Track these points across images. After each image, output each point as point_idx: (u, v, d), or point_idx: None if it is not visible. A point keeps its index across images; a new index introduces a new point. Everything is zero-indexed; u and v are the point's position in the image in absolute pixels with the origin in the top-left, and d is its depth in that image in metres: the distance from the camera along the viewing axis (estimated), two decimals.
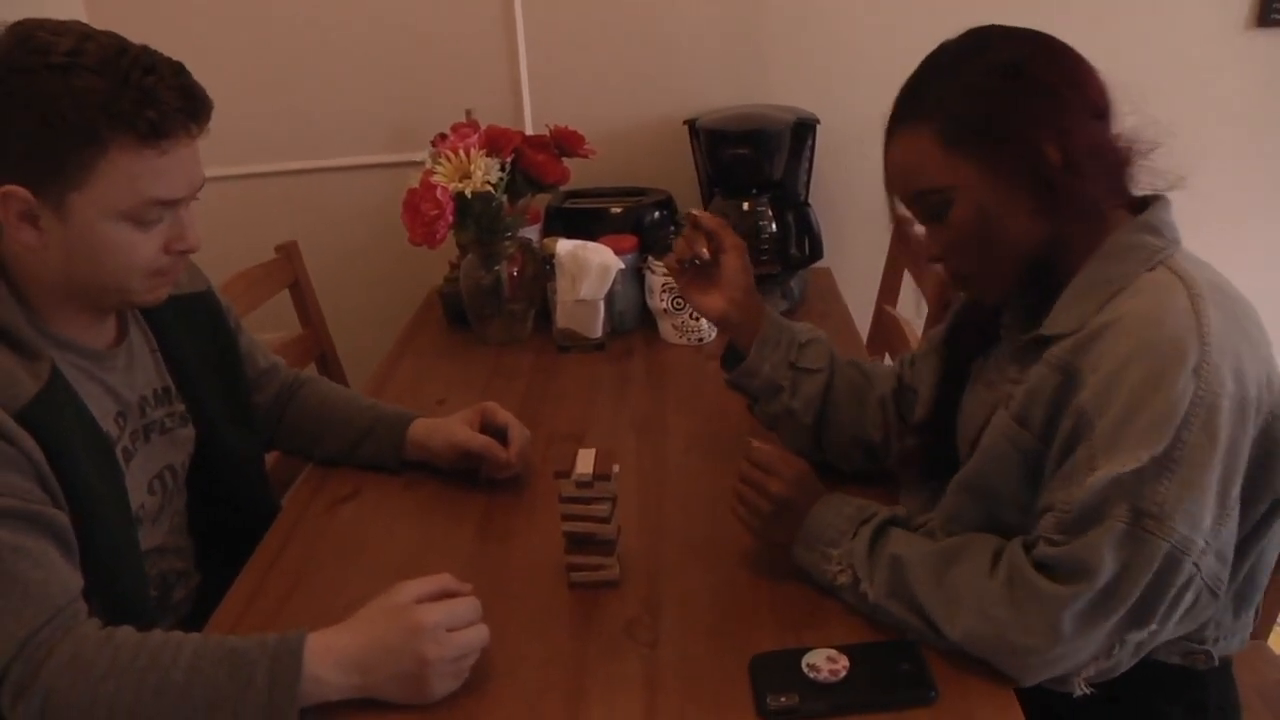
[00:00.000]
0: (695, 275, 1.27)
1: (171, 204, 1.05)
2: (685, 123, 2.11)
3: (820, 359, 1.28)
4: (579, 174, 1.95)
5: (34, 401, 0.99)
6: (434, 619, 0.94)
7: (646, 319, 1.90)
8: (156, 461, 1.21)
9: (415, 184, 1.73)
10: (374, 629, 0.95)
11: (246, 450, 1.36)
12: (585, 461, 1.08)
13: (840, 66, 2.22)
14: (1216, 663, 1.04)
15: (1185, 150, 0.99)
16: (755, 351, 1.26)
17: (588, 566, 1.12)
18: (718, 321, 1.28)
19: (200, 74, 1.05)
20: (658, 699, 0.95)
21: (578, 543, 1.11)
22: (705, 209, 2.08)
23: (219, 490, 1.31)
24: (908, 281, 1.97)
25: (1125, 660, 0.95)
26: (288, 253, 1.95)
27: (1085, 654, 0.92)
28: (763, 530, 1.11)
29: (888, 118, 1.05)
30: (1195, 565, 0.89)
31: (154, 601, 1.18)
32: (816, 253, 2.04)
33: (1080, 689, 0.95)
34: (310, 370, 1.73)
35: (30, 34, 0.97)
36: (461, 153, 1.71)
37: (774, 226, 1.96)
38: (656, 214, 2.01)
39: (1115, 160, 0.98)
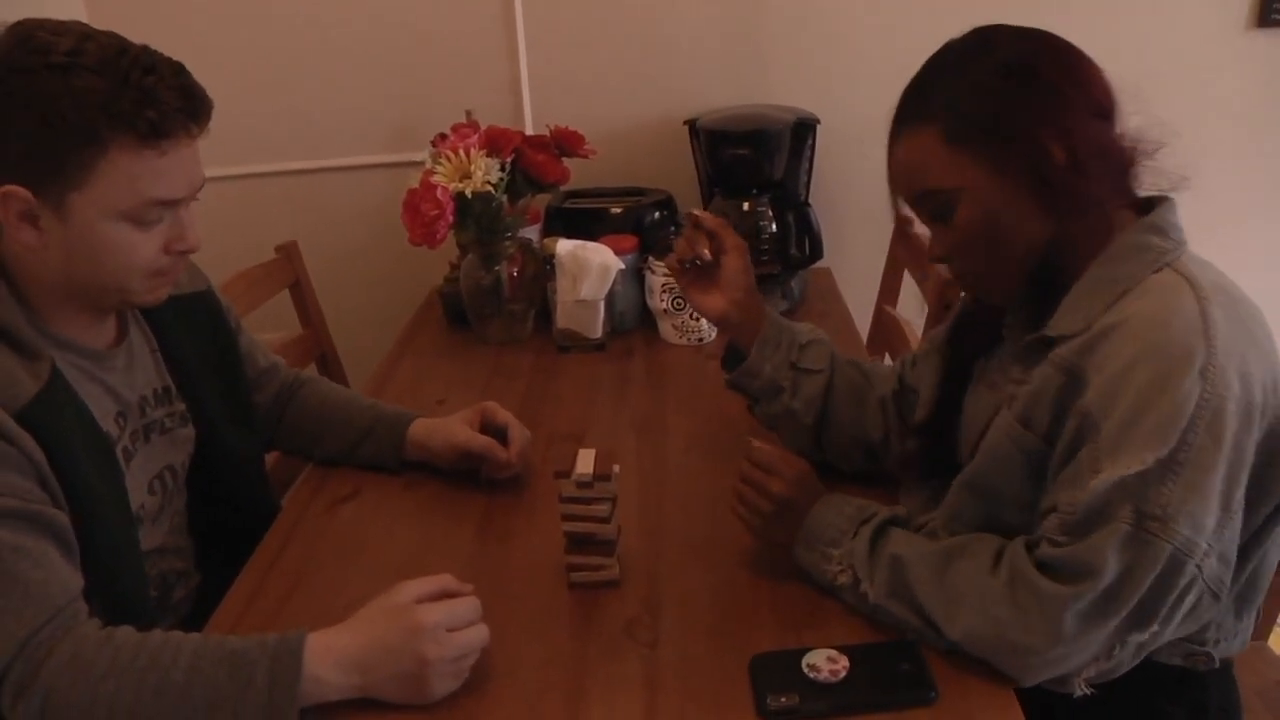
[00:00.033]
0: (696, 275, 1.27)
1: (171, 204, 1.05)
2: (685, 123, 2.11)
3: (821, 360, 1.28)
4: (579, 174, 1.95)
5: (34, 401, 0.99)
6: (434, 619, 0.94)
7: (647, 319, 1.90)
8: (156, 461, 1.21)
9: (415, 184, 1.73)
10: (374, 629, 0.95)
11: (246, 450, 1.36)
12: (585, 462, 1.08)
13: (840, 66, 2.22)
14: (1217, 664, 1.04)
15: (1185, 150, 0.99)
16: (756, 352, 1.26)
17: (588, 566, 1.12)
18: (718, 322, 1.28)
19: (200, 74, 1.05)
20: (658, 699, 0.95)
21: (578, 543, 1.11)
22: (706, 209, 2.08)
23: (219, 490, 1.31)
24: (908, 282, 1.97)
25: (1126, 661, 0.95)
26: (288, 253, 1.95)
27: (1086, 654, 0.92)
28: (763, 530, 1.11)
29: (892, 117, 1.04)
30: (1198, 567, 0.89)
31: (154, 601, 1.18)
32: (816, 253, 2.04)
33: (1080, 689, 0.95)
34: (310, 370, 1.73)
35: (30, 34, 0.97)
36: (462, 153, 1.71)
37: (774, 227, 1.96)
38: (657, 214, 2.01)
39: (1120, 160, 0.98)
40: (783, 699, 0.92)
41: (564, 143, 1.88)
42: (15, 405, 0.97)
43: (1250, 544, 0.97)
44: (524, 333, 1.88)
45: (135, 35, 1.02)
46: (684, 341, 1.83)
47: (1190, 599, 0.91)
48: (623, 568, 1.13)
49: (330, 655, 0.93)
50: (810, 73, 2.23)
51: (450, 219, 1.70)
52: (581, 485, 1.08)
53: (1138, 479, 0.87)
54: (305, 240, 2.01)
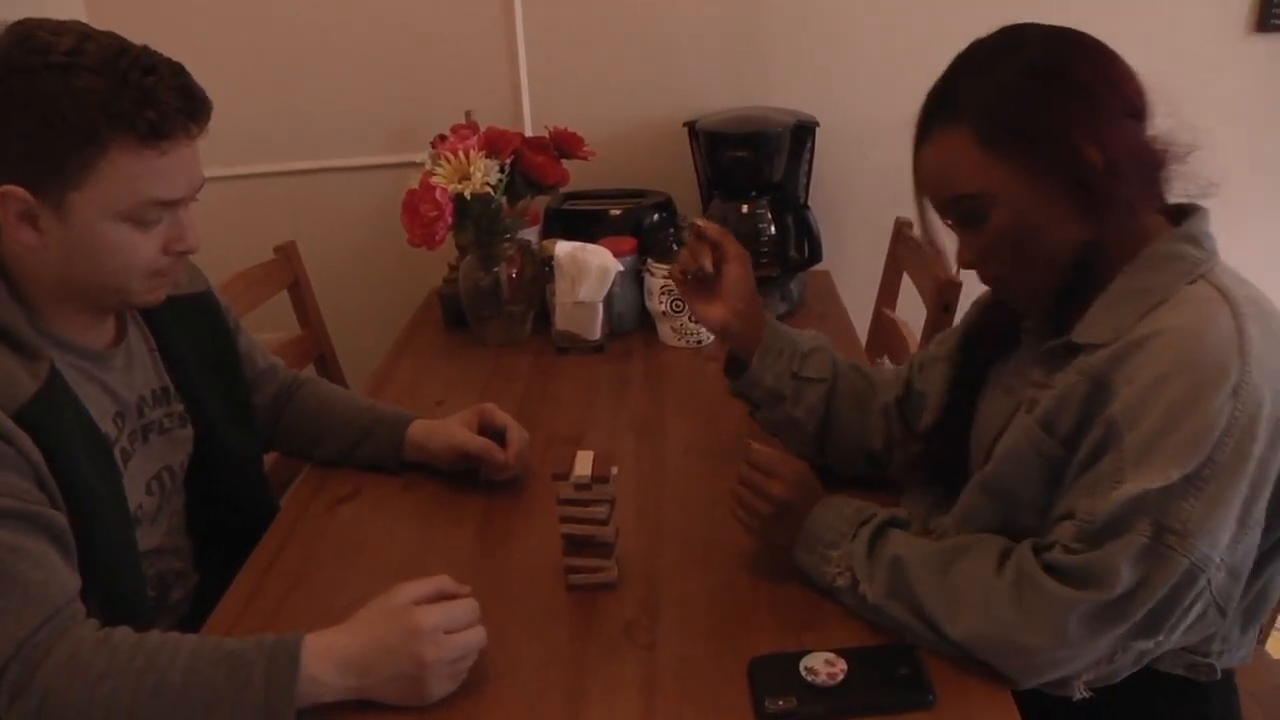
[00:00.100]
0: (698, 285, 1.25)
1: (171, 204, 1.05)
2: (685, 125, 2.11)
3: (823, 368, 1.27)
4: (578, 176, 1.95)
5: (32, 401, 0.99)
6: (432, 621, 0.94)
7: (645, 321, 1.90)
8: (155, 462, 1.21)
9: (414, 185, 1.73)
10: (372, 630, 0.95)
11: (245, 450, 1.36)
12: (584, 463, 1.08)
13: (840, 67, 2.23)
14: (1219, 675, 1.03)
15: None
16: (758, 361, 1.25)
17: (586, 568, 1.12)
18: (719, 332, 1.26)
19: (200, 74, 1.05)
20: (656, 701, 0.95)
21: (576, 545, 1.11)
22: (705, 211, 2.08)
23: (218, 490, 1.31)
24: (907, 284, 1.97)
25: (1126, 667, 0.95)
26: (287, 253, 1.95)
27: (1088, 659, 0.92)
28: (762, 532, 1.11)
29: (918, 118, 1.01)
30: (1208, 581, 0.89)
31: (152, 602, 1.18)
32: (816, 255, 2.04)
33: (1080, 693, 0.94)
34: (309, 371, 1.74)
35: (30, 34, 0.97)
36: (461, 154, 1.71)
37: (773, 229, 1.96)
38: (656, 216, 2.01)
39: (1153, 163, 0.96)
40: (781, 702, 0.92)
41: (563, 144, 1.88)
42: (14, 405, 0.97)
43: (1263, 559, 0.97)
44: (523, 334, 1.88)
45: (135, 35, 1.02)
46: (682, 343, 1.83)
47: (1196, 611, 0.91)
48: (621, 569, 1.13)
49: (328, 656, 0.93)
50: (810, 74, 2.23)
51: (449, 220, 1.70)
52: (580, 487, 1.07)
53: (1160, 493, 0.86)
54: (304, 241, 2.01)
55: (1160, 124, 0.97)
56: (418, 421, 1.40)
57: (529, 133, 2.18)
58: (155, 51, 1.02)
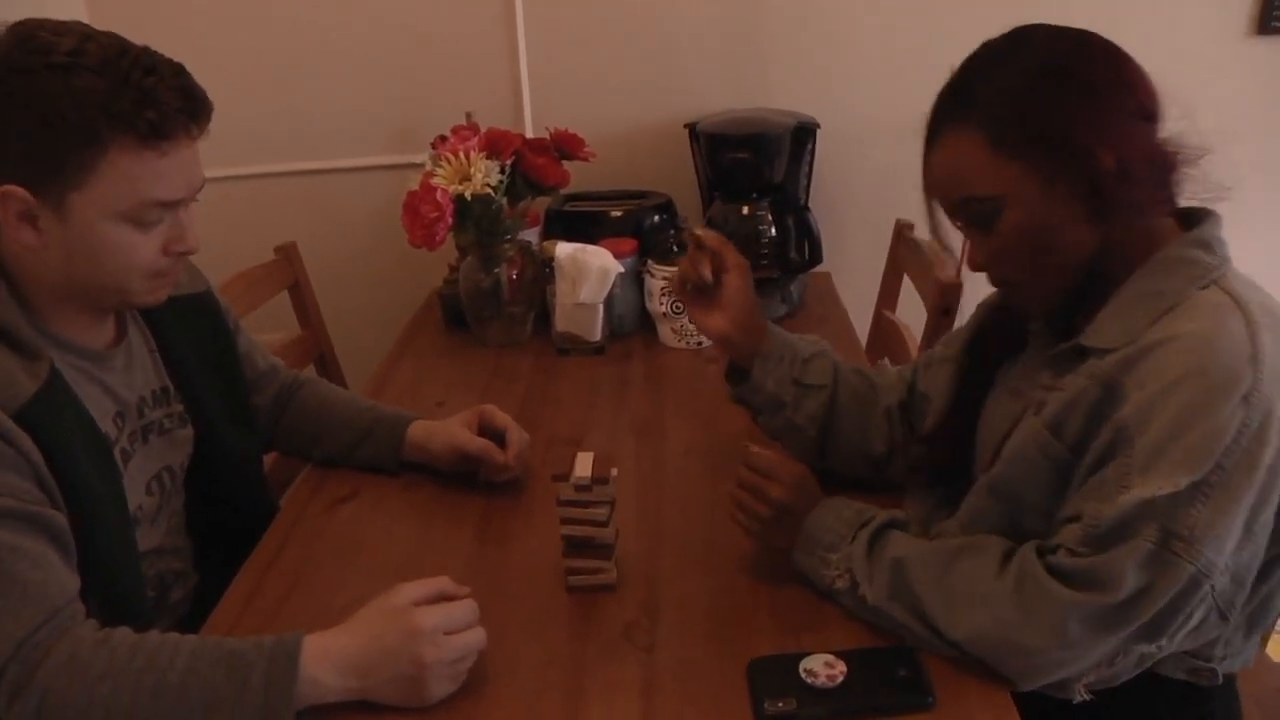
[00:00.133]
0: (698, 295, 1.25)
1: (171, 205, 1.05)
2: (686, 126, 2.11)
3: (823, 374, 1.27)
4: (579, 177, 1.95)
5: (32, 401, 0.99)
6: (432, 622, 0.94)
7: (646, 322, 1.90)
8: (155, 462, 1.21)
9: (415, 186, 1.73)
10: (372, 631, 0.95)
11: (245, 451, 1.36)
12: (584, 465, 1.08)
13: (840, 68, 2.23)
14: (1221, 680, 1.03)
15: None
16: (758, 368, 1.25)
17: (586, 570, 1.11)
18: (720, 341, 1.26)
19: (201, 75, 1.05)
20: (655, 702, 0.95)
21: (576, 546, 1.11)
22: (705, 213, 2.08)
23: (217, 491, 1.31)
24: (907, 286, 1.97)
25: (1127, 670, 0.95)
26: (287, 254, 1.95)
27: (1089, 661, 0.92)
28: (762, 535, 1.11)
29: (928, 119, 1.00)
30: (1211, 585, 0.89)
31: (151, 602, 1.18)
32: (816, 257, 2.04)
33: (1080, 695, 0.94)
34: (309, 371, 1.73)
35: (31, 34, 0.97)
36: (461, 155, 1.71)
37: (774, 230, 1.95)
38: (656, 217, 2.01)
39: (1164, 166, 0.95)
40: (780, 703, 0.92)
41: (564, 145, 1.88)
42: (14, 405, 0.97)
43: (1269, 566, 0.97)
44: (523, 335, 1.88)
45: (136, 36, 1.02)
46: (683, 345, 1.83)
47: (1198, 615, 0.91)
48: (621, 571, 1.13)
49: (327, 657, 0.93)
50: (810, 75, 2.23)
51: (450, 221, 1.70)
52: (580, 488, 1.07)
53: (1168, 500, 0.86)
54: (305, 241, 2.01)
55: (1171, 126, 0.96)
56: (418, 422, 1.40)
57: (530, 134, 2.18)
58: (156, 52, 1.02)
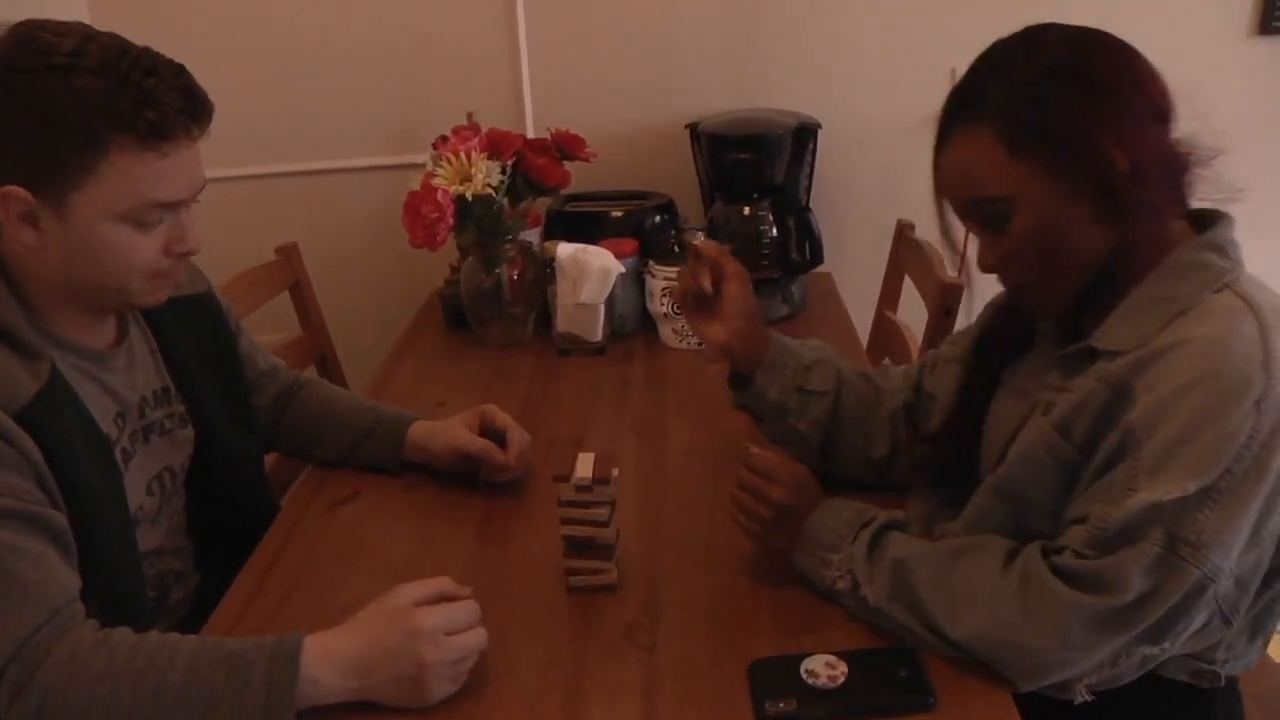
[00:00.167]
0: (698, 305, 1.24)
1: (172, 206, 1.05)
2: (687, 126, 2.11)
3: (826, 381, 1.26)
4: (580, 177, 1.95)
5: (33, 402, 0.99)
6: (432, 622, 0.94)
7: (647, 323, 1.90)
8: (156, 462, 1.21)
9: (416, 186, 1.73)
10: (372, 632, 0.95)
11: (246, 451, 1.36)
12: (585, 465, 1.08)
13: (840, 68, 2.23)
14: (1223, 682, 1.03)
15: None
16: (761, 375, 1.25)
17: (586, 571, 1.11)
18: (721, 351, 1.25)
19: (201, 75, 1.05)
20: (656, 703, 0.95)
21: (576, 547, 1.11)
22: (706, 213, 2.08)
23: (218, 491, 1.31)
24: (908, 286, 1.97)
25: (1129, 672, 0.94)
26: (288, 254, 1.95)
27: (1091, 662, 0.92)
28: (762, 536, 1.11)
29: (939, 119, 0.99)
30: (1215, 589, 0.88)
31: (152, 602, 1.18)
32: (817, 257, 2.04)
33: (1082, 696, 0.94)
34: (310, 372, 1.74)
35: (32, 34, 0.97)
36: (462, 155, 1.71)
37: (775, 231, 1.95)
38: (657, 218, 2.01)
39: (1177, 167, 0.95)
40: (781, 704, 0.92)
41: (565, 146, 1.88)
42: (14, 405, 0.97)
43: (1275, 571, 0.96)
44: (524, 336, 1.88)
45: (137, 37, 1.02)
46: (684, 345, 1.83)
47: (1200, 619, 0.91)
48: (622, 571, 1.13)
49: (328, 658, 0.93)
50: (810, 75, 2.23)
51: (451, 221, 1.70)
52: (580, 489, 1.07)
53: (1176, 504, 0.86)
54: (306, 242, 2.01)
55: (1184, 127, 0.95)
56: (418, 422, 1.40)
57: (530, 134, 2.18)
58: (157, 53, 1.02)
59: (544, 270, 1.83)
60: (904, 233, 2.00)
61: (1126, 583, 0.87)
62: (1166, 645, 0.91)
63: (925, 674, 0.95)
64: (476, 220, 1.76)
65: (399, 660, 0.93)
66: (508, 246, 1.81)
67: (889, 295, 2.04)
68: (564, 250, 1.77)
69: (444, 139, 1.80)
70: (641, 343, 1.87)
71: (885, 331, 1.96)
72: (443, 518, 1.31)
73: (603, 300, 1.78)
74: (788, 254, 1.99)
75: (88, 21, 1.05)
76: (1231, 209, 0.98)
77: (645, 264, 1.84)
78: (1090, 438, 0.94)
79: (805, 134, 2.03)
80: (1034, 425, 1.00)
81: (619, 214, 1.99)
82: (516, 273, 1.82)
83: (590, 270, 1.75)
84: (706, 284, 1.21)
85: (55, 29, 0.98)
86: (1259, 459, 0.86)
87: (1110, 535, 0.88)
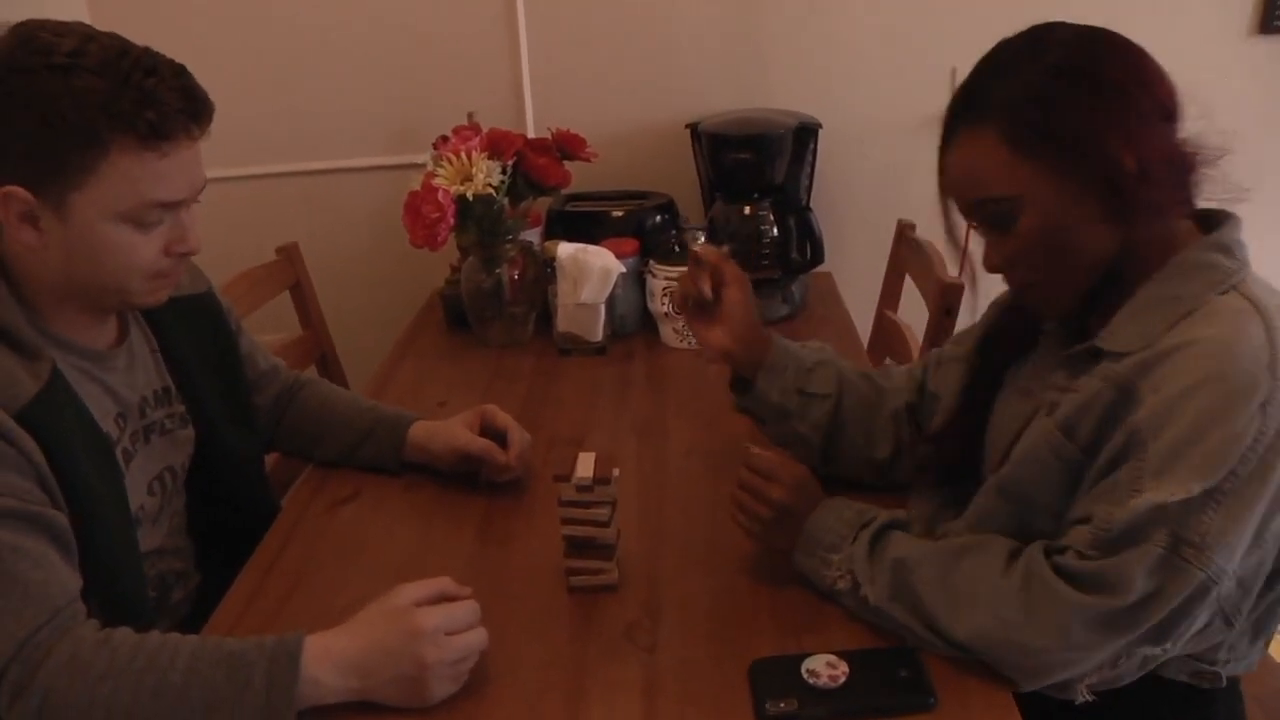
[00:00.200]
0: (699, 310, 1.24)
1: (172, 206, 1.05)
2: (687, 126, 2.11)
3: (827, 383, 1.26)
4: (580, 177, 1.95)
5: (34, 402, 0.99)
6: (433, 622, 0.94)
7: (647, 322, 1.90)
8: (156, 462, 1.21)
9: (416, 186, 1.73)
10: (373, 632, 0.95)
11: (246, 451, 1.36)
12: (585, 465, 1.08)
13: (841, 68, 2.23)
14: (1224, 683, 1.02)
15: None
16: (762, 379, 1.24)
17: (587, 571, 1.11)
18: (722, 355, 1.24)
19: (202, 76, 1.05)
20: (657, 703, 0.95)
21: (577, 547, 1.11)
22: (706, 213, 2.08)
23: (219, 491, 1.31)
24: (909, 286, 1.97)
25: (1130, 672, 0.94)
26: (288, 254, 1.95)
27: (1092, 662, 0.92)
28: (762, 536, 1.11)
29: (944, 119, 0.99)
30: (1218, 591, 0.88)
31: (152, 602, 1.18)
32: (818, 257, 2.04)
33: (1083, 696, 0.94)
34: (311, 372, 1.74)
35: (33, 34, 0.97)
36: (463, 155, 1.71)
37: (775, 231, 1.95)
38: (658, 218, 2.01)
39: (1183, 166, 0.94)
40: (782, 704, 0.92)
41: (566, 146, 1.88)
42: (15, 405, 0.97)
43: (1277, 572, 0.96)
44: (525, 336, 1.88)
45: (137, 37, 1.02)
46: (685, 345, 1.83)
47: (1202, 619, 0.91)
48: (622, 571, 1.13)
49: (328, 658, 0.93)
50: (811, 75, 2.23)
51: (451, 221, 1.70)
52: (581, 489, 1.07)
53: (1180, 506, 0.86)
54: (306, 242, 2.01)
55: (1190, 126, 0.95)
56: (419, 422, 1.40)
57: (531, 134, 2.18)
58: (157, 53, 1.02)
59: (544, 270, 1.83)
60: (904, 232, 2.00)
61: (1129, 584, 0.86)
62: (1168, 646, 0.91)
63: (926, 674, 0.95)
64: (477, 220, 1.76)
65: (399, 660, 0.93)
66: (508, 246, 1.81)
67: (890, 295, 2.04)
68: (564, 250, 1.77)
69: (444, 139, 1.80)
70: (642, 343, 1.87)
71: (886, 331, 1.96)
72: (443, 518, 1.31)
73: (603, 300, 1.78)
74: (788, 254, 1.99)
75: (88, 21, 1.05)
76: (1233, 209, 0.98)
77: (646, 264, 1.84)
78: (1095, 438, 0.94)
79: (806, 134, 2.03)
80: (1038, 425, 0.99)
81: (619, 214, 1.99)
82: (517, 273, 1.82)
83: (591, 270, 1.75)
84: (706, 289, 1.21)
85: (55, 29, 0.98)
86: (1264, 461, 0.86)
87: (1114, 536, 0.88)
